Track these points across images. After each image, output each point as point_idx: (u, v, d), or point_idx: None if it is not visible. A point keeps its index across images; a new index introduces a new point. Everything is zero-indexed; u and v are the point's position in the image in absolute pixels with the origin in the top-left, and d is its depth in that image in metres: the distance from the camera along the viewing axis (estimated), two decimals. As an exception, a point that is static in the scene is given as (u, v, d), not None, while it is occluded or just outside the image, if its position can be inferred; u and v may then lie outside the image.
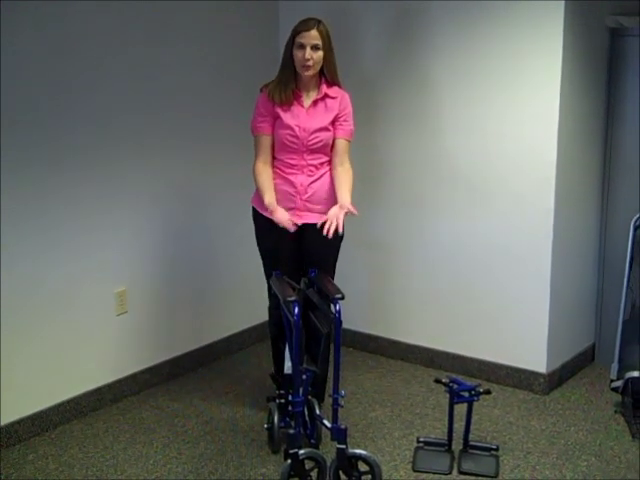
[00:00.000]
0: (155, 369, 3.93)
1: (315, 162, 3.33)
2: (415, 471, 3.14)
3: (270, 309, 3.37)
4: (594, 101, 3.90)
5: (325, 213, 3.22)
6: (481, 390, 3.16)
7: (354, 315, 3.43)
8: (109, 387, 3.71)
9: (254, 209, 3.43)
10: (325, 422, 2.99)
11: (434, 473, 3.12)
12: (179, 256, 4.00)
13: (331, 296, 2.90)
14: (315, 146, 3.31)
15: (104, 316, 3.67)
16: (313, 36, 3.20)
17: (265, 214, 3.30)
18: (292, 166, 3.32)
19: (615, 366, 3.83)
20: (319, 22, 3.23)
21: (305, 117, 3.29)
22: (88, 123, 3.49)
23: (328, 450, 3.11)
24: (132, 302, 3.78)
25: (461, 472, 3.13)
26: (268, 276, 3.35)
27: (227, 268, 4.28)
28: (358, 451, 2.92)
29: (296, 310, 2.85)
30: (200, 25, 3.93)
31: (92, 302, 3.60)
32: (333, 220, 3.10)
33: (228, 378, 4.04)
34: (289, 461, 2.83)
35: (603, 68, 3.91)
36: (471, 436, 3.23)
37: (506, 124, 3.73)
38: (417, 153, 3.99)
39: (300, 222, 3.26)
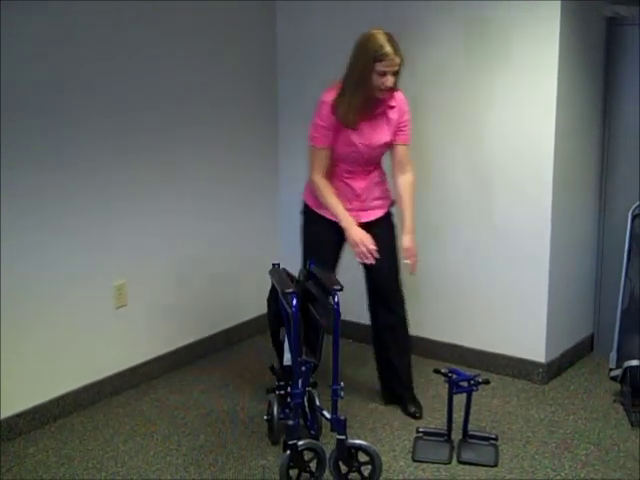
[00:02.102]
0: (155, 362, 3.94)
1: (371, 167, 3.36)
2: (415, 461, 3.15)
3: (269, 301, 3.37)
4: (592, 90, 3.89)
5: (380, 207, 3.36)
6: (480, 380, 3.16)
7: (353, 306, 3.44)
8: (109, 380, 3.72)
9: (306, 204, 3.44)
10: (325, 413, 3.00)
11: (433, 463, 3.13)
12: (178, 249, 4.00)
13: (330, 287, 2.90)
14: (376, 159, 3.34)
15: (103, 309, 3.67)
16: (395, 63, 3.07)
17: (320, 212, 3.33)
18: (350, 172, 3.32)
19: (614, 355, 3.84)
20: (395, 43, 3.06)
21: (369, 134, 3.24)
22: (87, 116, 3.49)
23: (328, 441, 3.11)
24: (132, 295, 3.78)
25: (461, 462, 3.13)
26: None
27: (226, 260, 4.28)
28: (358, 442, 2.93)
29: (294, 302, 2.85)
30: (199, 25, 3.94)
31: (91, 295, 3.61)
32: (413, 255, 3.24)
33: (228, 370, 4.05)
34: (288, 452, 2.84)
35: (600, 57, 3.91)
36: (470, 426, 3.24)
37: (503, 114, 3.73)
38: (414, 148, 3.98)
39: (358, 221, 3.30)
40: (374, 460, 2.90)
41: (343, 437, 2.87)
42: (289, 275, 3.15)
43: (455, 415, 3.23)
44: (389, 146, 3.32)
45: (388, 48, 3.03)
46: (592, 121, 3.95)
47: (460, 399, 3.22)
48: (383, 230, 3.38)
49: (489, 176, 3.82)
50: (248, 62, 4.26)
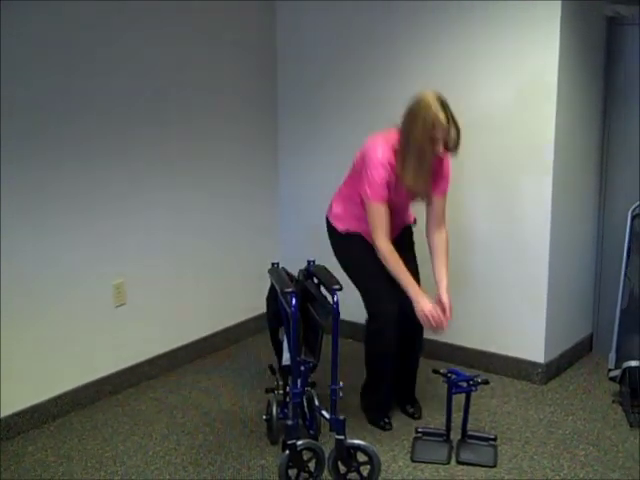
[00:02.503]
0: (153, 361, 3.94)
1: (407, 209, 3.40)
2: (413, 461, 3.15)
3: (268, 300, 3.37)
4: (592, 90, 3.89)
5: (405, 223, 3.40)
6: (479, 380, 3.16)
7: (352, 306, 3.44)
8: (108, 379, 3.72)
9: (335, 229, 3.38)
10: (324, 413, 2.99)
11: (432, 463, 3.13)
12: (178, 248, 4.00)
13: (329, 287, 2.90)
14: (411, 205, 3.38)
15: (102, 308, 3.67)
16: (448, 129, 3.02)
17: (352, 232, 3.32)
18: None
19: (613, 356, 3.84)
20: (448, 108, 3.02)
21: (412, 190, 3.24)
22: (88, 115, 3.49)
23: (327, 441, 3.11)
24: (130, 294, 3.78)
25: (459, 462, 3.13)
26: (366, 292, 3.32)
27: (226, 260, 4.28)
28: (357, 442, 2.93)
29: (293, 301, 2.85)
30: (199, 24, 3.94)
31: (90, 294, 3.61)
32: (450, 309, 3.20)
33: (227, 370, 4.05)
34: (287, 452, 2.84)
35: (601, 57, 3.90)
36: (469, 426, 3.24)
37: (503, 113, 3.73)
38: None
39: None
40: (373, 460, 2.90)
41: (342, 437, 2.87)
42: (288, 274, 3.15)
43: (454, 415, 3.23)
44: None
45: (442, 117, 2.99)
46: (592, 121, 3.95)
47: (459, 399, 3.23)
48: (404, 240, 3.39)
49: (488, 177, 3.82)
50: (248, 60, 4.26)
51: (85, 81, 3.46)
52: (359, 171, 3.21)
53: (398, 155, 3.10)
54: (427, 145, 3.03)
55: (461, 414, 3.22)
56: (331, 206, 3.45)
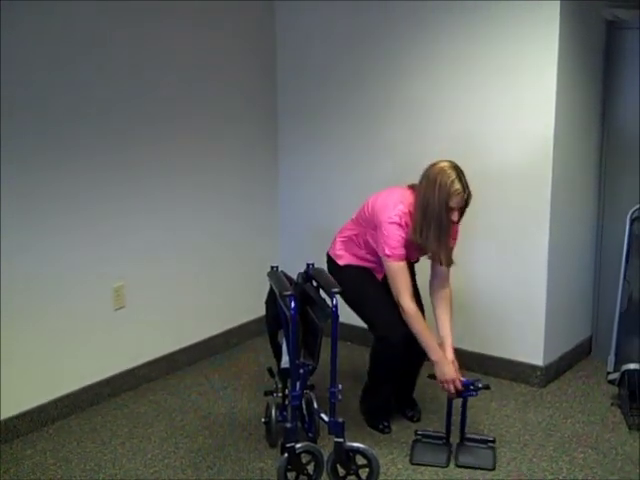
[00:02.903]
0: (153, 364, 3.94)
1: None
2: (413, 464, 3.15)
3: (267, 303, 3.37)
4: (591, 94, 3.90)
5: None
6: (480, 385, 3.16)
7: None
8: (107, 382, 3.72)
9: (338, 265, 3.38)
10: (322, 416, 2.99)
11: (431, 466, 3.13)
12: (177, 251, 4.00)
13: (328, 290, 2.90)
14: None
15: (102, 311, 3.67)
16: (463, 199, 3.07)
17: (355, 264, 3.32)
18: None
19: (612, 358, 3.84)
20: (464, 177, 3.06)
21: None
22: (88, 117, 3.50)
23: (326, 444, 3.11)
24: (130, 297, 3.78)
25: (458, 466, 3.13)
26: (372, 324, 3.32)
27: (225, 263, 4.28)
28: (356, 445, 2.93)
29: (292, 304, 2.85)
30: (198, 25, 3.94)
31: (90, 297, 3.61)
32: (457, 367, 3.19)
33: (226, 372, 4.05)
34: (286, 455, 2.84)
35: (600, 61, 3.91)
36: (468, 429, 3.24)
37: (503, 117, 3.73)
38: (414, 139, 3.99)
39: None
40: (372, 463, 2.90)
41: (341, 440, 2.87)
42: (287, 277, 3.15)
43: (454, 418, 3.23)
44: None
45: (458, 186, 3.02)
46: (591, 124, 3.95)
47: (457, 401, 3.22)
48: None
49: (487, 179, 3.82)
50: (247, 61, 4.26)
51: (85, 82, 3.46)
52: (368, 220, 3.24)
53: (415, 222, 3.11)
54: (444, 213, 3.06)
55: (459, 417, 3.22)
56: (333, 245, 3.46)
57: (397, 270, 3.15)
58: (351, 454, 2.91)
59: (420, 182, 3.12)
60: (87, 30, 3.44)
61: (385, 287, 3.28)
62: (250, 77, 4.31)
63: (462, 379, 3.18)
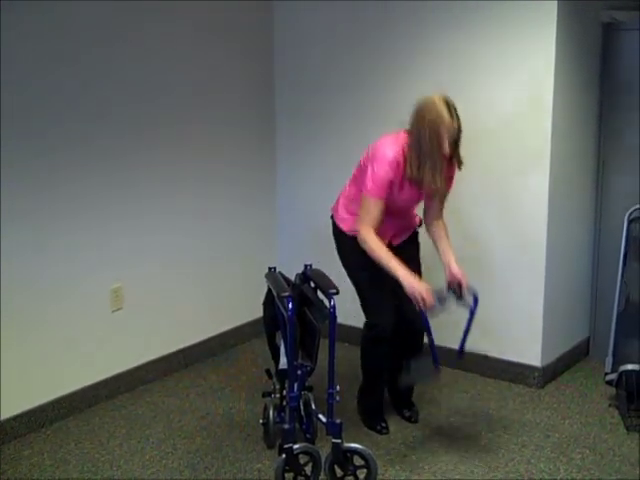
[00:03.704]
0: (150, 365, 3.94)
1: (412, 210, 3.39)
2: (402, 385, 3.15)
3: (265, 304, 3.37)
4: (588, 95, 3.90)
5: (410, 229, 3.40)
6: (445, 294, 3.15)
7: (349, 310, 3.44)
8: (105, 383, 3.72)
9: (341, 230, 3.37)
10: (320, 417, 3.00)
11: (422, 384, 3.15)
12: (175, 253, 4.00)
13: (326, 291, 2.90)
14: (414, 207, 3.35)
15: (99, 312, 3.67)
16: (453, 130, 3.05)
17: (354, 232, 3.27)
18: (389, 214, 3.25)
19: (609, 359, 3.84)
20: (454, 109, 3.04)
21: (417, 191, 3.23)
22: (87, 119, 3.50)
23: (323, 445, 3.11)
24: (127, 298, 3.78)
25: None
26: (365, 297, 3.32)
27: (223, 264, 4.28)
28: (353, 445, 2.93)
29: (290, 305, 2.85)
30: (197, 27, 3.95)
31: (88, 298, 3.61)
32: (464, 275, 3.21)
33: (224, 374, 4.05)
34: (284, 456, 2.84)
35: (597, 62, 3.92)
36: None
37: (500, 119, 3.74)
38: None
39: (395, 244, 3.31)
40: (369, 464, 2.90)
41: (339, 441, 2.87)
42: (285, 279, 3.15)
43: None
44: None
45: (447, 116, 3.02)
46: (588, 125, 3.96)
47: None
48: (411, 251, 3.40)
49: (485, 182, 3.83)
50: (245, 62, 4.27)
51: (84, 86, 3.46)
52: (364, 169, 3.23)
53: (410, 158, 3.12)
54: (436, 145, 3.05)
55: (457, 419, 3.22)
56: (336, 207, 3.45)
57: (370, 204, 3.15)
58: (349, 455, 2.91)
59: (412, 118, 3.12)
60: (87, 33, 3.44)
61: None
62: (248, 79, 4.31)
63: (460, 287, 3.19)
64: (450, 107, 3.04)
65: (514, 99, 3.68)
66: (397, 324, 3.39)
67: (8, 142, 3.19)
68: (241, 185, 4.35)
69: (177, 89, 3.90)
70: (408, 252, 3.34)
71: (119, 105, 3.63)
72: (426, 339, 3.29)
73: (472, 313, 3.22)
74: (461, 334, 3.26)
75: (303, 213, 4.50)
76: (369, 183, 3.14)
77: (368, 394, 3.48)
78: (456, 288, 3.22)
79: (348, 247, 3.35)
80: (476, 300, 3.22)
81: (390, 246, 3.26)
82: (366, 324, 3.36)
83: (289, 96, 4.43)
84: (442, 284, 3.23)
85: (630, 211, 3.84)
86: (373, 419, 3.45)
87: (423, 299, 3.07)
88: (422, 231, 3.44)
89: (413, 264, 3.32)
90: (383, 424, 3.42)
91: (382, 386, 3.46)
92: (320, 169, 4.38)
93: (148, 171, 3.81)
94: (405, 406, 3.54)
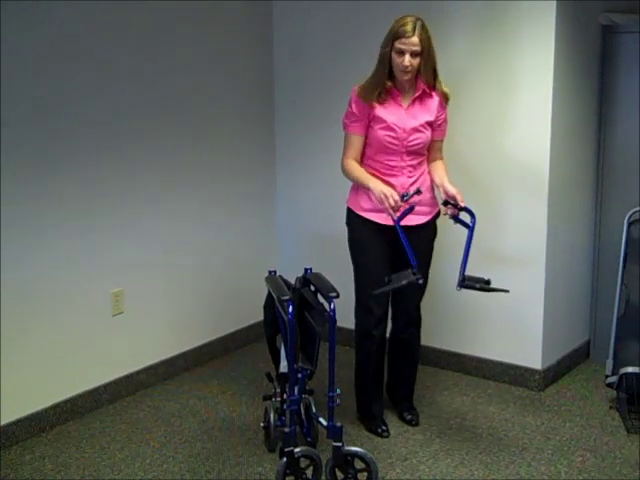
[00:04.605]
0: (151, 369, 3.94)
1: (414, 162, 3.27)
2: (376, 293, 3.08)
3: (265, 308, 3.38)
4: (587, 98, 3.91)
5: (426, 214, 3.30)
6: (412, 192, 3.09)
7: (349, 313, 3.45)
8: (105, 387, 3.72)
9: (350, 211, 3.36)
10: (321, 420, 3.00)
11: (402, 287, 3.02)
12: (175, 257, 4.00)
13: (326, 295, 2.91)
14: (415, 147, 3.23)
15: (100, 316, 3.67)
16: (413, 43, 3.05)
17: (364, 215, 3.27)
18: (391, 167, 3.24)
19: (610, 362, 3.84)
20: (420, 25, 3.05)
21: (404, 116, 3.20)
22: (86, 123, 3.50)
23: (324, 448, 3.11)
24: (128, 303, 3.78)
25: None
26: (361, 283, 3.31)
27: (223, 268, 4.28)
28: (354, 449, 2.93)
29: (290, 309, 2.86)
30: (197, 29, 3.95)
31: (89, 302, 3.61)
32: (457, 194, 3.16)
33: (224, 377, 4.05)
34: (285, 459, 2.84)
35: (596, 65, 3.92)
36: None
37: (499, 122, 3.74)
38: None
39: (402, 224, 3.16)
40: (370, 467, 2.90)
41: (339, 444, 2.87)
42: (285, 282, 3.16)
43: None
44: (428, 137, 3.25)
45: (408, 27, 3.05)
46: (588, 128, 3.96)
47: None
48: (423, 242, 3.31)
49: (484, 185, 3.83)
50: (245, 64, 4.27)
51: (82, 93, 3.46)
52: None
53: (372, 72, 3.21)
54: (387, 54, 3.10)
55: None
56: (349, 193, 3.42)
57: (349, 139, 3.27)
58: (349, 458, 2.91)
59: None
60: (86, 37, 3.44)
61: (388, 253, 3.27)
62: (247, 81, 4.32)
63: (455, 207, 3.15)
64: (416, 22, 3.06)
65: (512, 103, 3.68)
66: (393, 333, 3.43)
67: (8, 146, 3.20)
68: (241, 188, 4.36)
69: (176, 92, 3.90)
70: (420, 241, 3.24)
71: (119, 109, 3.63)
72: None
73: (471, 230, 3.16)
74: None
75: (303, 217, 4.50)
76: (345, 120, 3.28)
77: (362, 394, 3.49)
78: (451, 205, 3.16)
79: (357, 229, 3.33)
80: (473, 216, 3.16)
81: (406, 228, 3.14)
82: (356, 315, 3.40)
83: (289, 99, 4.44)
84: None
85: (630, 213, 3.84)
86: (373, 422, 3.45)
87: (389, 200, 3.04)
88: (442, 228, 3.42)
89: (422, 256, 3.26)
90: (384, 427, 3.43)
91: (376, 386, 3.47)
92: (320, 172, 4.38)
93: (148, 175, 3.81)
94: (405, 409, 3.54)
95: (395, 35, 3.08)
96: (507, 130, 3.73)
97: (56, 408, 3.51)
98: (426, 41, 3.09)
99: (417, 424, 3.49)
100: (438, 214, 3.38)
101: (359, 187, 3.30)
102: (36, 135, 3.32)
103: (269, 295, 3.25)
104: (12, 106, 3.19)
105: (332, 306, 2.85)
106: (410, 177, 3.26)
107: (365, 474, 2.91)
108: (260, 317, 3.39)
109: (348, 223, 3.39)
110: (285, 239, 4.61)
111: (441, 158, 3.39)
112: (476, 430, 3.44)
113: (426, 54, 3.11)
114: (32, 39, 3.24)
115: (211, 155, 4.14)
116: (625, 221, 3.85)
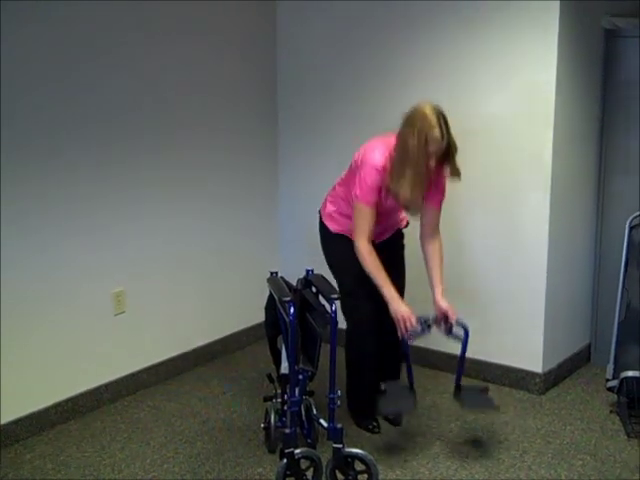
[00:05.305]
0: (152, 369, 3.94)
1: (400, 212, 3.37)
2: (379, 416, 3.20)
3: (267, 309, 3.38)
4: (589, 102, 3.91)
5: (391, 230, 3.40)
6: (430, 322, 3.18)
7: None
8: (106, 387, 3.72)
9: (327, 229, 3.40)
10: (321, 421, 3.00)
11: (400, 413, 3.19)
12: (177, 257, 4.01)
13: (327, 296, 2.91)
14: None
15: (102, 316, 3.68)
16: (443, 146, 3.02)
17: (343, 234, 3.33)
18: (377, 214, 3.25)
19: (611, 366, 3.84)
20: (445, 124, 2.99)
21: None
22: (86, 122, 3.51)
23: (325, 450, 3.11)
24: (130, 302, 3.79)
25: (465, 408, 3.26)
26: (347, 293, 3.27)
27: (225, 269, 4.29)
28: (354, 450, 2.93)
29: (292, 310, 2.86)
30: (199, 28, 3.95)
31: (90, 302, 3.61)
32: (453, 311, 3.21)
33: (225, 378, 4.06)
34: (285, 460, 2.84)
35: (598, 69, 3.92)
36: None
37: (502, 125, 3.74)
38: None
39: (377, 242, 3.28)
40: (370, 469, 2.90)
41: (340, 446, 2.87)
42: (287, 283, 3.16)
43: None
44: None
45: (437, 134, 2.99)
46: (590, 133, 3.96)
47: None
48: (394, 252, 3.39)
49: (486, 188, 3.83)
50: (248, 63, 4.27)
51: (84, 90, 3.47)
52: (354, 171, 3.23)
53: (393, 167, 3.10)
54: (421, 159, 3.03)
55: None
56: (325, 204, 3.47)
57: (362, 212, 3.16)
58: (350, 460, 2.91)
59: (401, 125, 3.09)
60: (88, 36, 3.45)
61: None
62: (250, 81, 4.32)
63: (446, 321, 3.20)
64: (441, 120, 3.00)
65: (515, 108, 3.68)
66: (378, 329, 3.42)
67: (9, 145, 3.20)
68: (243, 189, 4.36)
69: (179, 92, 3.91)
70: (391, 252, 3.33)
71: (120, 108, 3.63)
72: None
73: (464, 346, 3.24)
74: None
75: (305, 218, 4.47)
76: (358, 190, 3.15)
77: (355, 394, 3.49)
78: (444, 322, 3.22)
79: (332, 243, 3.38)
80: (467, 333, 3.24)
81: (373, 244, 3.22)
82: (347, 319, 3.39)
83: (292, 99, 4.44)
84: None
85: (631, 218, 3.84)
86: (364, 418, 3.46)
87: (405, 324, 3.11)
88: (409, 232, 3.45)
89: (395, 265, 3.32)
90: (375, 423, 3.43)
91: (368, 379, 3.46)
92: (323, 173, 4.37)
93: (150, 175, 3.82)
94: None
95: (425, 141, 3.00)
96: (509, 132, 3.73)
97: (57, 407, 3.52)
98: (451, 138, 3.05)
99: (399, 424, 3.49)
100: (406, 225, 3.46)
101: (336, 214, 3.36)
102: (37, 134, 3.32)
103: (270, 296, 3.25)
104: (12, 105, 3.20)
105: (333, 307, 2.85)
106: (389, 220, 3.34)
107: (365, 476, 2.91)
108: (261, 318, 3.40)
109: (324, 235, 3.43)
110: (287, 240, 4.61)
111: (438, 235, 3.30)
112: (476, 433, 3.43)
113: (450, 147, 3.06)
114: (34, 41, 3.24)
115: (213, 155, 4.14)
116: (627, 225, 3.85)
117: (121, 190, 3.69)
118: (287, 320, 2.90)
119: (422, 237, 3.32)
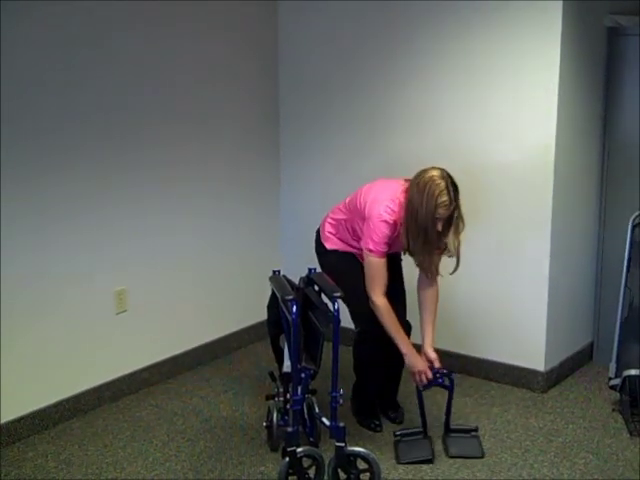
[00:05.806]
0: (154, 367, 3.94)
1: None
2: (400, 463, 3.17)
3: (269, 307, 3.38)
4: (592, 100, 3.90)
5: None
6: (445, 371, 3.24)
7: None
8: (108, 385, 3.72)
9: (325, 247, 3.42)
10: (324, 420, 3.00)
11: (419, 463, 3.16)
12: (178, 255, 4.01)
13: (330, 294, 2.91)
14: None
15: (104, 314, 3.68)
16: (450, 210, 3.07)
17: (341, 250, 3.37)
18: None
19: (613, 364, 3.83)
20: (452, 189, 3.04)
21: None
22: (89, 120, 3.51)
23: (327, 448, 3.11)
24: (132, 301, 3.78)
25: (450, 456, 3.20)
26: (358, 297, 3.27)
27: (227, 267, 4.29)
28: (357, 449, 2.93)
29: (294, 309, 2.86)
30: (200, 27, 3.95)
31: (92, 300, 3.61)
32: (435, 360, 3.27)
33: (227, 376, 4.06)
34: (287, 459, 2.84)
35: (601, 67, 3.92)
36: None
37: (504, 124, 3.74)
38: (417, 153, 3.99)
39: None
40: (373, 467, 2.90)
41: (342, 444, 2.87)
42: (289, 282, 3.16)
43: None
44: None
45: (445, 199, 3.03)
46: (593, 131, 3.96)
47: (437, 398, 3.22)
48: (394, 260, 3.38)
49: (488, 187, 3.83)
50: (249, 62, 4.26)
51: (85, 87, 3.47)
52: (359, 210, 3.25)
53: (405, 229, 3.12)
54: (430, 224, 3.07)
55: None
56: (324, 224, 3.47)
57: (375, 265, 3.19)
58: (352, 458, 2.91)
59: (410, 188, 3.11)
60: (90, 34, 3.45)
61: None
62: (252, 80, 4.32)
63: (432, 369, 3.25)
64: (450, 187, 3.04)
65: (517, 105, 3.68)
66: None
67: (9, 143, 3.20)
68: (245, 188, 4.36)
69: (180, 92, 3.90)
70: (391, 259, 3.31)
71: (120, 106, 3.63)
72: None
73: (450, 390, 3.29)
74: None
75: (307, 216, 4.47)
76: (370, 243, 3.18)
77: (360, 392, 3.50)
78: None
79: (330, 259, 3.40)
80: (452, 382, 3.29)
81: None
82: (358, 331, 3.39)
83: (294, 97, 4.43)
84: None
85: (634, 216, 3.84)
86: (367, 417, 3.47)
87: (421, 377, 3.20)
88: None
89: (400, 280, 3.40)
90: (377, 422, 3.45)
91: (375, 385, 3.49)
92: (323, 172, 4.38)
93: (151, 173, 3.81)
94: (390, 407, 3.54)
95: (436, 208, 3.04)
96: (511, 132, 3.72)
97: (59, 406, 3.52)
98: (458, 202, 3.09)
99: (402, 422, 3.50)
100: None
101: (336, 238, 3.39)
102: (37, 132, 3.32)
103: (273, 295, 3.25)
104: (12, 104, 3.19)
105: (336, 306, 2.85)
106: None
107: (368, 474, 2.91)
108: (263, 316, 3.39)
109: (323, 254, 3.44)
110: (289, 239, 4.61)
111: (436, 283, 3.32)
112: (478, 431, 3.43)
113: (456, 211, 3.11)
114: (34, 39, 3.24)
115: (214, 154, 4.14)
116: (629, 224, 3.84)
117: (122, 188, 3.69)
118: (290, 319, 2.89)
119: (420, 280, 3.34)
